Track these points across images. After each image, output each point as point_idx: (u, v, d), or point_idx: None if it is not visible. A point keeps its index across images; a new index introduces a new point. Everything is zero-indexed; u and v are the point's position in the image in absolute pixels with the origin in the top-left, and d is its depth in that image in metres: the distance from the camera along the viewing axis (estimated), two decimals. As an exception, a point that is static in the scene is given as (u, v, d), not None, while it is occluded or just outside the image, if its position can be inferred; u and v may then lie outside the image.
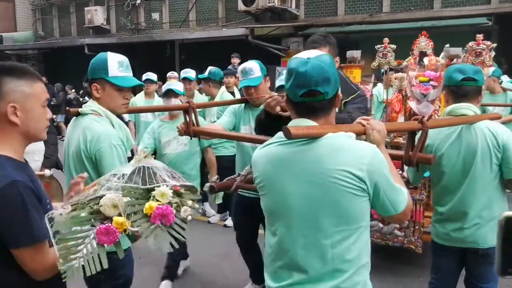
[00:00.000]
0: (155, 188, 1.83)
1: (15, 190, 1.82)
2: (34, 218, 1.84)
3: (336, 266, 1.94)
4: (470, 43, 4.67)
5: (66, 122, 15.25)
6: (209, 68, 6.67)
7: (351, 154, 1.89)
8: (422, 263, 4.81)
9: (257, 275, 4.57)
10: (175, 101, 4.92)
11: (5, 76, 1.90)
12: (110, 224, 1.76)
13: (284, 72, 3.14)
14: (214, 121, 5.75)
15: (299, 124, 1.97)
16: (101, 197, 1.81)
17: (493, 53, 4.70)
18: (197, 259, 5.48)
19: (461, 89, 3.09)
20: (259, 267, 4.52)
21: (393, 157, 2.24)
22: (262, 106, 4.05)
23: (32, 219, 1.84)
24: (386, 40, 4.94)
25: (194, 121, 3.53)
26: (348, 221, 1.93)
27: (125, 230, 1.78)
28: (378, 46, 5.03)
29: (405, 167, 3.37)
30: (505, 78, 8.02)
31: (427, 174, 3.54)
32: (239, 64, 12.06)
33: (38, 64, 22.28)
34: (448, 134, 3.08)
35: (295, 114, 2.04)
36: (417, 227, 4.65)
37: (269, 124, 3.08)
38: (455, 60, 4.67)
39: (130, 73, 2.94)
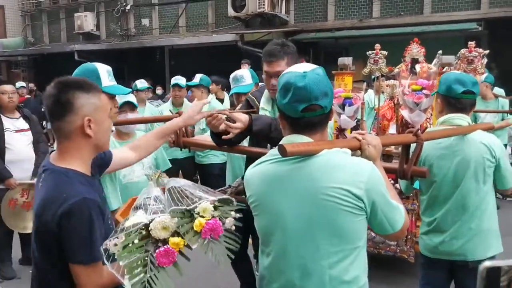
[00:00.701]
0: (197, 205, 1.93)
1: (85, 208, 1.88)
2: (98, 238, 1.89)
3: (334, 287, 1.89)
4: (462, 50, 4.65)
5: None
6: (199, 75, 6.56)
7: (348, 171, 1.85)
8: (415, 272, 4.76)
9: (248, 286, 4.52)
10: (132, 115, 4.14)
11: (75, 90, 1.96)
12: (168, 246, 1.83)
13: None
14: (203, 129, 5.69)
15: (293, 140, 1.91)
16: (150, 221, 1.87)
17: (485, 60, 4.68)
18: (188, 270, 5.41)
19: (460, 102, 3.05)
20: (250, 278, 4.48)
21: (387, 170, 2.20)
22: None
23: (96, 240, 1.89)
24: (377, 46, 4.91)
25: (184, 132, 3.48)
26: (345, 241, 1.88)
27: (179, 250, 1.87)
28: (370, 52, 5.00)
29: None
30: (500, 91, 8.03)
31: (416, 184, 3.49)
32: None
33: (27, 70, 22.12)
34: (439, 144, 3.03)
35: (289, 130, 1.97)
36: (409, 236, 4.62)
37: (220, 141, 2.97)
38: (446, 68, 4.64)
39: (115, 82, 2.92)
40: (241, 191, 3.07)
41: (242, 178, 2.63)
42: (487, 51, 4.73)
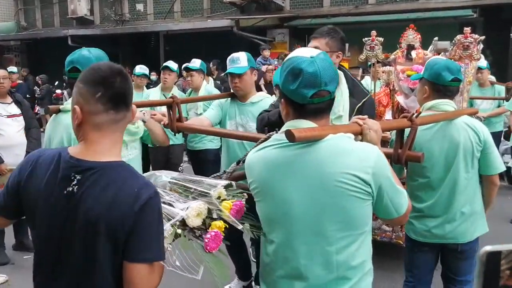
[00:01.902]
0: (213, 190, 2.01)
1: (158, 201, 1.74)
2: (163, 233, 1.79)
3: (340, 273, 1.87)
4: (458, 36, 4.61)
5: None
6: (198, 60, 6.32)
7: (355, 156, 1.83)
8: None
9: (243, 272, 4.52)
10: None
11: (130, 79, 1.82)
12: (216, 230, 1.88)
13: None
14: (201, 113, 5.63)
15: (297, 125, 1.87)
16: (185, 209, 1.92)
17: (481, 46, 4.66)
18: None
19: (448, 89, 3.09)
20: (245, 264, 4.48)
21: (383, 155, 2.19)
22: (252, 101, 4.01)
23: (163, 235, 1.77)
24: (373, 33, 4.89)
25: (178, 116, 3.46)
26: (352, 226, 1.86)
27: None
28: (366, 39, 4.97)
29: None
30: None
31: None
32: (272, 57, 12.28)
33: (20, 55, 21.97)
34: (427, 129, 3.05)
35: (293, 116, 1.93)
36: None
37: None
38: (442, 53, 4.62)
39: None
40: (236, 177, 3.05)
41: (237, 163, 2.61)
42: (483, 37, 4.70)
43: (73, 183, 1.72)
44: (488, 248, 0.93)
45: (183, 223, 1.88)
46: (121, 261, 1.70)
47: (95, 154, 1.75)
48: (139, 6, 18.36)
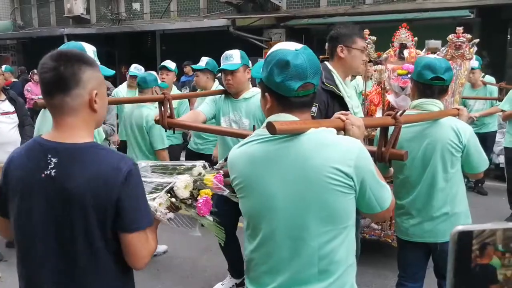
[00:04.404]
0: (193, 169, 2.13)
1: (138, 172, 1.87)
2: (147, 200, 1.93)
3: (323, 267, 1.87)
4: (450, 36, 4.63)
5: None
6: (205, 58, 6.15)
7: (338, 150, 1.82)
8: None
9: (235, 269, 4.53)
10: None
11: (80, 63, 1.85)
12: (206, 196, 2.04)
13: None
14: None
15: (279, 119, 1.86)
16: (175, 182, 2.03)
17: (475, 49, 4.66)
18: (175, 253, 5.43)
19: (428, 88, 3.09)
20: (238, 261, 4.49)
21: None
22: (244, 96, 4.03)
23: (147, 202, 1.90)
24: (366, 31, 4.89)
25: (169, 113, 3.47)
26: (335, 220, 1.85)
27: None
28: (358, 37, 4.97)
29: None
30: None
31: None
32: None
33: (16, 54, 21.89)
34: (409, 127, 3.04)
35: (277, 109, 1.92)
36: (393, 220, 4.64)
37: None
38: (437, 52, 4.63)
39: (99, 62, 2.89)
40: (225, 173, 3.06)
41: (225, 160, 2.62)
42: (477, 40, 4.71)
43: (50, 166, 1.80)
44: (460, 227, 0.95)
45: (174, 195, 1.99)
46: (110, 231, 1.81)
47: (65, 138, 1.84)
48: (136, 5, 18.31)
